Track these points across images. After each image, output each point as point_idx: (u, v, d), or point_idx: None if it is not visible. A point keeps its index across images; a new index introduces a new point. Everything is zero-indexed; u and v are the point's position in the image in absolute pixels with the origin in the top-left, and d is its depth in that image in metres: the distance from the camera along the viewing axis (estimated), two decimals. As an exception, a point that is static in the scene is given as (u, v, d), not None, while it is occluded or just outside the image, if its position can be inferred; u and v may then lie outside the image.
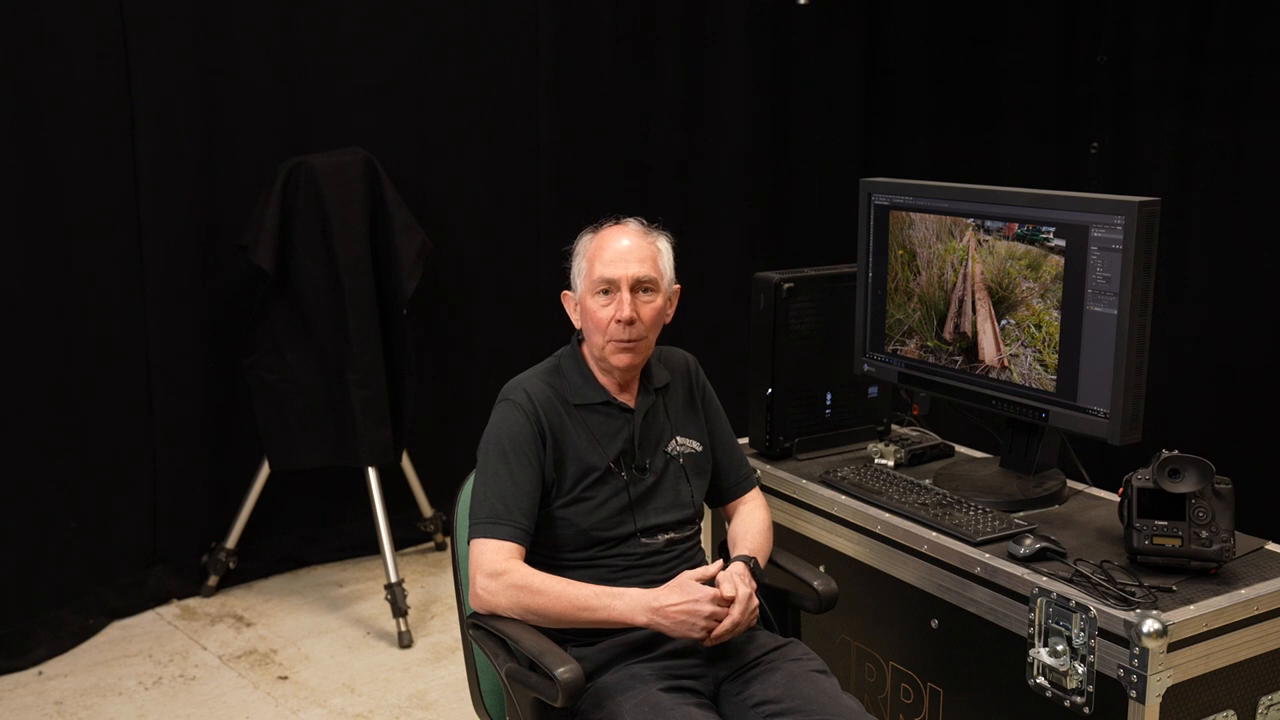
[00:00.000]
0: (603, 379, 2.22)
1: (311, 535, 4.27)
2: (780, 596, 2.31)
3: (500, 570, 2.05)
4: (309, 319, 3.77)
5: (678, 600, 1.99)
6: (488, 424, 2.18)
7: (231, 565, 4.01)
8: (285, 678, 3.49)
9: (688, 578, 2.03)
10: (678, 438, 2.27)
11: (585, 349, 2.25)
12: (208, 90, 3.83)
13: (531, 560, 2.11)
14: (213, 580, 4.01)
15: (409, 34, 4.16)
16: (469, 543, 2.11)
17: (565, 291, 2.27)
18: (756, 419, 2.84)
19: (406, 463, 4.13)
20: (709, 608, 2.00)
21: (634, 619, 2.01)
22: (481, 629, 2.12)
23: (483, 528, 2.08)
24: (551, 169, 4.56)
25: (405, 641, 3.68)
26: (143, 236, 3.78)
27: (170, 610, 3.92)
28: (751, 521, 2.32)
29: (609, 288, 2.16)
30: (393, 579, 3.72)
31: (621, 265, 2.16)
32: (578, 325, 2.25)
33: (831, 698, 2.03)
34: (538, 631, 2.04)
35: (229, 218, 3.87)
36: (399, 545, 4.13)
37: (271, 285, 3.73)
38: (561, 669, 1.89)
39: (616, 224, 2.23)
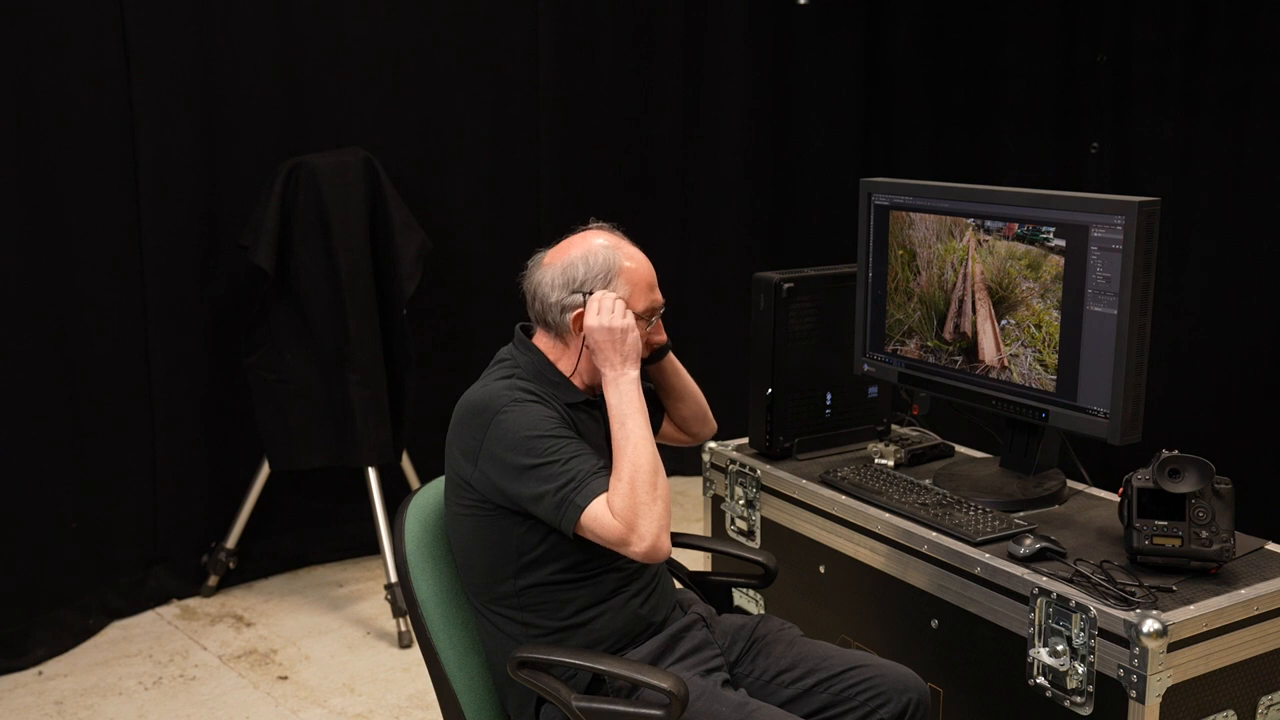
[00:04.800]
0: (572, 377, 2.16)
1: (311, 535, 4.27)
2: (723, 588, 2.41)
3: (616, 521, 1.93)
4: (309, 319, 3.77)
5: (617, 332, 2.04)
6: (502, 426, 2.01)
7: (231, 565, 4.01)
8: (285, 678, 3.49)
9: None
10: None
11: (557, 353, 2.16)
12: (208, 90, 3.83)
13: (539, 587, 2.03)
14: (213, 580, 4.01)
15: (409, 34, 4.16)
16: (576, 526, 1.94)
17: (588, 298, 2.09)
18: (756, 419, 2.84)
19: (406, 462, 4.13)
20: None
21: (634, 369, 2.04)
22: (532, 667, 1.99)
23: (579, 494, 1.92)
24: (551, 169, 4.56)
25: (405, 641, 3.68)
26: (143, 236, 3.78)
27: (170, 610, 3.92)
28: None
29: (657, 315, 2.16)
30: (393, 579, 3.72)
31: (658, 290, 2.15)
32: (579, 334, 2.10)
33: (839, 651, 2.16)
34: (611, 655, 2.01)
35: (229, 218, 3.87)
36: (399, 545, 4.12)
37: (271, 285, 3.73)
38: (668, 683, 1.84)
39: (610, 232, 2.16)
